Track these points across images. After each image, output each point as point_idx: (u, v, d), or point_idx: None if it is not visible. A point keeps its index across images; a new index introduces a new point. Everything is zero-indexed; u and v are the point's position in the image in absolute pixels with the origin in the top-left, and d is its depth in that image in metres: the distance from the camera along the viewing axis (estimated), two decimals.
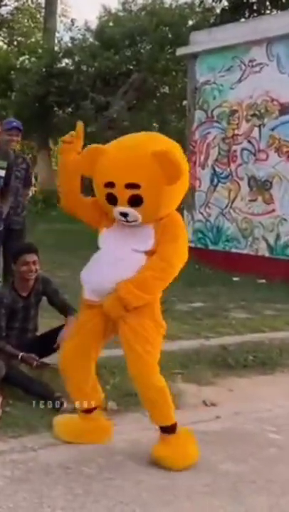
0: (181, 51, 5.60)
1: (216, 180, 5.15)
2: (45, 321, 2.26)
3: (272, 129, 4.70)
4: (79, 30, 9.93)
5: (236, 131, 4.96)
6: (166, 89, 9.58)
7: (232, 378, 2.34)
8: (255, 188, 4.83)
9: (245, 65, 4.88)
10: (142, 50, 9.11)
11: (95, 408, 1.72)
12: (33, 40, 12.12)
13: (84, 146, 1.65)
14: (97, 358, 1.70)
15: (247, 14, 7.86)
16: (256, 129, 4.81)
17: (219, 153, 5.10)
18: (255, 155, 4.83)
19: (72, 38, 9.90)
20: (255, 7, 7.91)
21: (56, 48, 10.04)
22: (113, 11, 10.22)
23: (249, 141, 4.86)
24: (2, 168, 2.55)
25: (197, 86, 5.26)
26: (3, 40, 13.17)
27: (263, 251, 4.75)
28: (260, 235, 4.78)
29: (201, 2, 9.04)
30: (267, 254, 4.72)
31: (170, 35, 8.68)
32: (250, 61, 4.84)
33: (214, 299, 3.62)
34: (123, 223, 1.59)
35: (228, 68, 4.99)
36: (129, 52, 9.08)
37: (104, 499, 1.44)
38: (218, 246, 5.07)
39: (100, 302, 1.58)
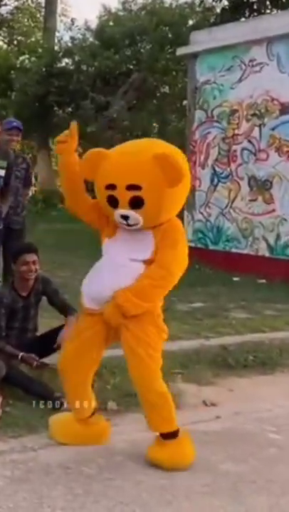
0: (181, 51, 5.60)
1: (216, 180, 5.14)
2: (45, 321, 2.26)
3: (273, 129, 4.69)
4: (79, 29, 9.96)
5: (236, 131, 4.95)
6: (167, 89, 9.58)
7: (232, 378, 2.34)
8: (256, 188, 4.83)
9: (245, 64, 4.88)
10: (142, 50, 9.11)
11: (92, 413, 1.71)
12: (33, 39, 12.12)
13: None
14: (96, 365, 1.70)
15: (247, 14, 7.86)
16: (256, 129, 4.81)
17: (219, 153, 5.09)
18: (255, 155, 4.82)
19: (72, 38, 9.93)
20: (255, 6, 7.90)
21: (56, 48, 10.04)
22: (113, 10, 10.24)
23: (249, 141, 4.86)
24: (2, 168, 2.55)
25: (197, 86, 5.26)
26: (3, 40, 13.17)
27: (263, 251, 4.75)
28: (260, 235, 4.77)
29: (201, 2, 9.04)
30: (267, 254, 4.72)
31: (170, 35, 8.69)
32: (251, 61, 4.83)
33: (214, 299, 3.62)
34: (124, 227, 1.59)
35: (229, 68, 4.98)
36: (129, 51, 9.08)
37: (104, 499, 1.44)
38: (218, 246, 5.07)
39: (100, 310, 1.59)
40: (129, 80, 8.53)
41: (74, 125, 1.64)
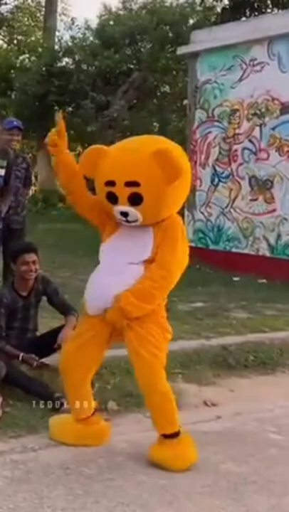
0: (181, 50, 5.59)
1: (216, 179, 5.14)
2: (45, 320, 2.26)
3: (273, 129, 4.68)
4: (79, 29, 9.92)
5: (237, 131, 4.94)
6: (167, 89, 9.56)
7: (233, 378, 2.34)
8: (256, 188, 4.82)
9: (246, 64, 4.87)
10: (142, 49, 9.09)
11: (93, 413, 1.71)
12: (33, 39, 12.10)
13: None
14: (96, 366, 1.70)
15: (248, 13, 7.85)
16: (257, 129, 4.80)
17: (220, 152, 5.08)
18: (256, 154, 4.81)
19: (72, 37, 9.88)
20: (256, 6, 7.90)
21: (56, 47, 10.00)
22: (113, 9, 10.23)
23: (250, 141, 4.85)
24: (2, 167, 2.54)
25: (198, 85, 5.25)
26: (3, 39, 13.15)
27: (264, 251, 4.74)
28: (260, 235, 4.76)
29: (202, 1, 9.04)
30: (268, 254, 4.71)
31: (171, 34, 8.66)
32: (251, 60, 4.82)
33: (215, 299, 3.61)
34: (124, 224, 1.58)
35: (229, 67, 4.97)
36: (129, 51, 9.07)
37: (104, 500, 1.43)
38: (218, 246, 5.06)
39: (103, 314, 1.59)
40: (130, 79, 8.52)
41: (60, 121, 1.62)
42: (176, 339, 2.51)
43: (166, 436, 1.61)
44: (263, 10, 7.83)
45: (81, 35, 9.76)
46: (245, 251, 4.85)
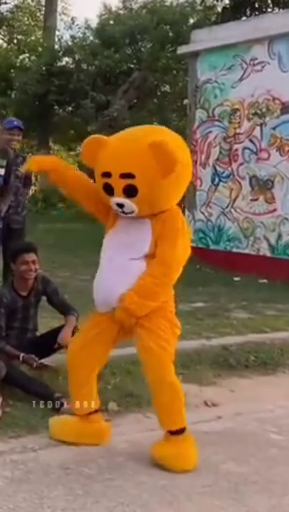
0: (182, 50, 5.59)
1: (217, 179, 5.13)
2: (45, 320, 2.26)
3: (274, 128, 4.68)
4: (79, 28, 9.94)
5: (238, 130, 4.94)
6: (167, 88, 9.56)
7: (233, 378, 2.34)
8: (257, 188, 4.82)
9: (246, 63, 4.86)
10: (142, 49, 9.09)
11: (95, 411, 1.71)
12: (33, 38, 12.09)
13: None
14: (101, 363, 1.70)
15: (248, 12, 7.84)
16: (258, 128, 4.79)
17: (220, 152, 5.08)
18: (256, 154, 4.81)
19: (72, 37, 9.89)
20: (256, 5, 7.89)
21: (56, 47, 10.00)
22: (114, 9, 10.24)
23: (250, 141, 4.84)
24: (1, 167, 2.54)
25: (198, 85, 5.24)
26: (3, 39, 13.14)
27: (265, 251, 4.73)
28: (261, 235, 4.76)
29: (202, 0, 9.04)
30: (268, 254, 4.71)
31: (171, 34, 8.66)
32: (252, 60, 4.82)
33: (215, 299, 3.61)
34: (121, 215, 1.58)
35: (230, 67, 4.97)
36: (129, 50, 9.07)
37: (104, 500, 1.43)
38: (219, 246, 5.06)
39: (112, 312, 1.60)
40: (130, 78, 8.52)
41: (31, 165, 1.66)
42: None
43: (172, 433, 1.61)
44: (264, 9, 7.82)
45: (81, 35, 9.78)
46: (246, 251, 4.85)
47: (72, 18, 10.55)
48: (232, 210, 4.99)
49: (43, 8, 11.99)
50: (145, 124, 2.12)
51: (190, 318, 3.05)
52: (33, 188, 6.26)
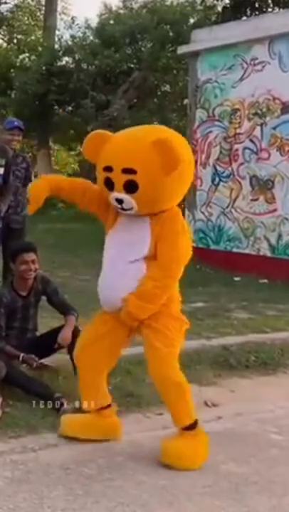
0: (182, 49, 5.58)
1: (217, 179, 5.13)
2: (45, 320, 2.26)
3: (274, 128, 4.68)
4: (79, 28, 9.94)
5: (238, 130, 4.94)
6: (167, 88, 9.56)
7: (234, 379, 2.34)
8: (257, 188, 4.81)
9: (246, 63, 4.86)
10: (142, 48, 9.09)
11: (107, 406, 1.72)
12: (33, 38, 12.08)
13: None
14: (111, 361, 1.71)
15: (248, 12, 7.84)
16: (258, 128, 4.79)
17: (221, 152, 5.08)
18: (256, 154, 4.80)
19: (72, 36, 9.88)
20: (256, 5, 7.89)
21: (56, 46, 10.00)
22: (114, 8, 10.25)
23: (251, 140, 4.84)
24: (0, 166, 2.54)
25: (198, 84, 5.24)
26: (2, 38, 13.14)
27: (265, 251, 4.73)
28: (261, 235, 4.76)
29: (203, 0, 9.02)
30: (269, 254, 4.70)
31: (171, 33, 8.65)
32: (252, 59, 4.81)
33: (215, 299, 3.61)
34: (120, 211, 1.59)
35: (230, 67, 4.97)
36: (129, 50, 9.06)
37: (104, 500, 1.43)
38: (219, 246, 5.06)
39: (115, 313, 1.61)
40: (130, 78, 8.51)
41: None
42: None
43: (184, 429, 1.61)
44: (264, 9, 7.82)
45: (81, 34, 9.77)
46: (246, 251, 4.84)
47: (72, 18, 10.57)
48: (232, 210, 4.99)
49: (43, 8, 11.98)
50: (145, 123, 2.13)
51: (190, 318, 3.02)
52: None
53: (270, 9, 7.87)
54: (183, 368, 2.28)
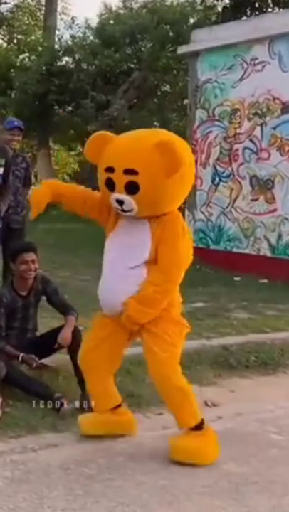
0: (182, 49, 5.59)
1: (217, 179, 5.13)
2: (45, 320, 2.26)
3: (274, 128, 4.68)
4: (79, 28, 9.92)
5: (238, 130, 4.94)
6: (167, 88, 9.56)
7: (234, 379, 2.34)
8: (257, 188, 4.82)
9: (246, 63, 4.86)
10: (142, 48, 9.08)
11: (119, 405, 1.73)
12: (33, 38, 12.07)
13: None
14: (116, 361, 1.72)
15: (248, 12, 7.84)
16: (258, 128, 4.79)
17: (221, 152, 5.08)
18: (256, 154, 4.81)
19: (72, 36, 9.87)
20: (256, 5, 7.89)
21: (56, 46, 9.99)
22: (114, 8, 10.24)
23: (251, 140, 4.84)
24: (0, 166, 2.54)
25: (198, 84, 5.24)
26: (2, 38, 13.14)
27: (265, 251, 4.73)
28: (261, 235, 4.76)
29: (203, 0, 9.02)
30: (269, 254, 4.71)
31: (171, 33, 8.65)
32: (252, 59, 4.82)
33: (216, 299, 3.61)
34: (120, 213, 1.59)
35: (230, 67, 4.97)
36: (129, 50, 9.06)
37: (104, 500, 1.43)
38: (219, 246, 5.06)
39: (115, 316, 1.62)
40: (130, 78, 8.51)
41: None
42: None
43: (191, 430, 1.62)
44: (264, 9, 7.82)
45: (81, 34, 9.76)
46: (246, 251, 4.84)
47: (72, 18, 10.55)
48: (232, 210, 4.99)
49: (43, 8, 11.99)
50: (145, 123, 2.14)
51: (190, 318, 3.04)
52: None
53: (270, 9, 7.87)
54: (183, 368, 2.28)
